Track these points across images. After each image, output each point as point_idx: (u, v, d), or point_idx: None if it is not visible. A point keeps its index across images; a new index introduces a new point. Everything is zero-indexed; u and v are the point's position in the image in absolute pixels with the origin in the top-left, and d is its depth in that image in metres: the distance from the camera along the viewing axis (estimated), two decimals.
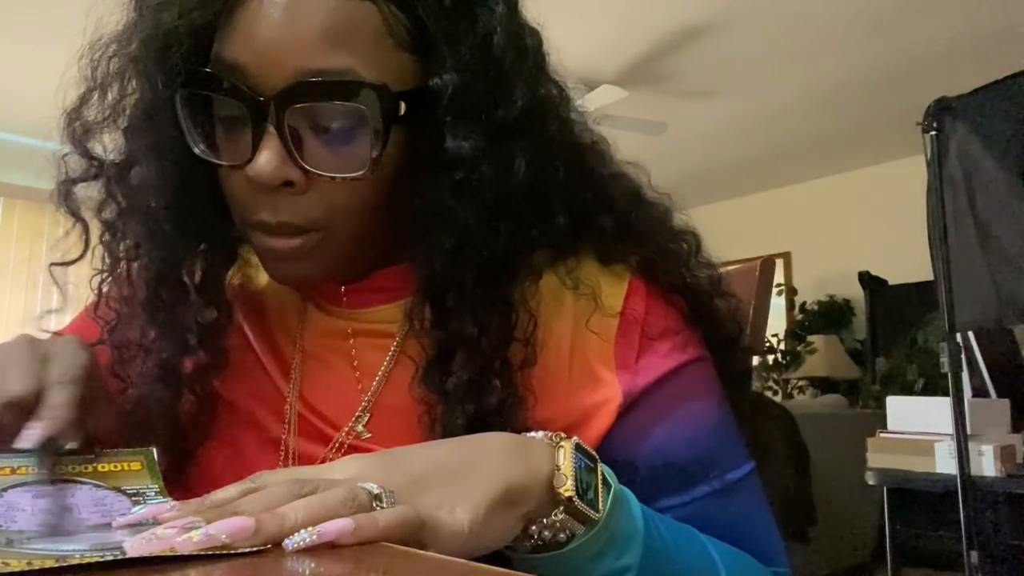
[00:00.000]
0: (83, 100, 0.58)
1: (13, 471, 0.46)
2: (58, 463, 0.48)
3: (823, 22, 3.34)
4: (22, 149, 4.38)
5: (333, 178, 0.52)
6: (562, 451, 0.45)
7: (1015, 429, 2.48)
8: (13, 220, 4.82)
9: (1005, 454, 2.28)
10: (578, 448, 0.46)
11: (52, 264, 0.62)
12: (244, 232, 0.58)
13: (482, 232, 0.53)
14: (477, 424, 0.52)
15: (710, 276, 0.64)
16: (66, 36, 0.57)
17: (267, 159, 0.51)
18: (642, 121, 3.90)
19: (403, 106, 0.52)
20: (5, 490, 0.44)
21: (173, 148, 0.56)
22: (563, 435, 0.47)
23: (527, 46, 0.57)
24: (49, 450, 0.46)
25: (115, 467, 0.50)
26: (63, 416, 0.47)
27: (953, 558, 2.40)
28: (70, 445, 0.49)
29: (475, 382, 0.53)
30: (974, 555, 2.15)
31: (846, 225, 5.26)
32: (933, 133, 2.32)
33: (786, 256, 5.56)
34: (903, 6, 3.21)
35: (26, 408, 0.47)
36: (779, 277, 5.43)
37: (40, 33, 3.32)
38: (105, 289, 0.63)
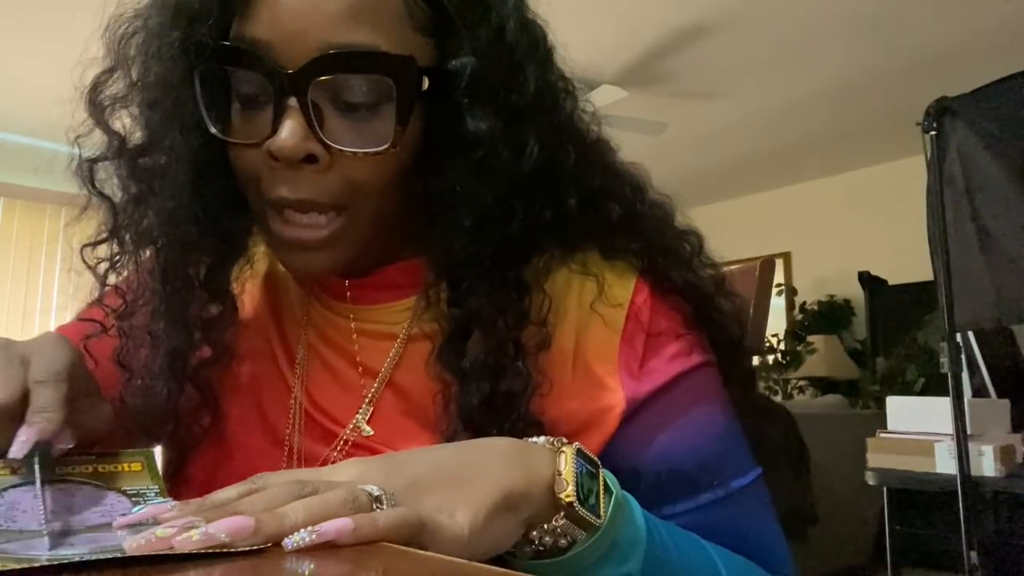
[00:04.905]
0: (104, 75, 0.58)
1: (14, 471, 0.46)
2: (56, 466, 0.47)
3: (823, 22, 3.34)
4: (22, 149, 4.38)
5: (355, 153, 0.52)
6: (563, 456, 0.45)
7: (1015, 429, 2.48)
8: (13, 220, 4.82)
9: (1005, 454, 2.28)
10: (580, 453, 0.46)
11: (84, 246, 0.61)
12: (261, 218, 0.57)
13: (499, 211, 0.55)
14: (491, 405, 0.53)
15: (713, 276, 0.64)
16: (67, 36, 0.57)
17: (290, 132, 0.51)
18: (642, 121, 3.90)
19: (426, 81, 0.53)
20: (5, 490, 0.44)
21: (190, 127, 0.55)
22: (564, 440, 0.47)
23: (537, 36, 0.59)
24: (43, 455, 0.45)
25: (115, 468, 0.50)
26: (52, 418, 0.46)
27: (953, 558, 2.40)
28: (65, 447, 0.48)
29: (490, 363, 0.54)
30: (974, 555, 2.15)
31: (846, 225, 5.26)
32: (933, 133, 2.32)
33: (786, 256, 5.56)
34: (903, 6, 3.21)
35: (12, 414, 0.46)
36: (779, 277, 5.43)
37: (41, 33, 3.32)
38: (112, 277, 0.62)
